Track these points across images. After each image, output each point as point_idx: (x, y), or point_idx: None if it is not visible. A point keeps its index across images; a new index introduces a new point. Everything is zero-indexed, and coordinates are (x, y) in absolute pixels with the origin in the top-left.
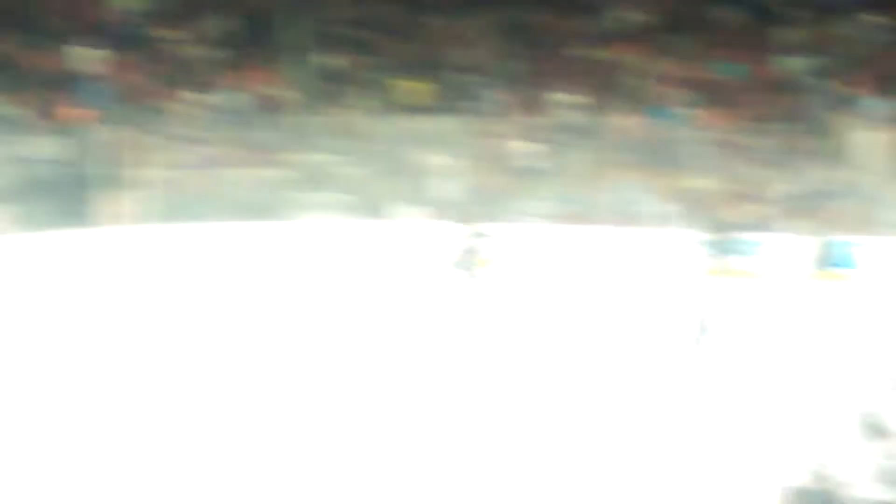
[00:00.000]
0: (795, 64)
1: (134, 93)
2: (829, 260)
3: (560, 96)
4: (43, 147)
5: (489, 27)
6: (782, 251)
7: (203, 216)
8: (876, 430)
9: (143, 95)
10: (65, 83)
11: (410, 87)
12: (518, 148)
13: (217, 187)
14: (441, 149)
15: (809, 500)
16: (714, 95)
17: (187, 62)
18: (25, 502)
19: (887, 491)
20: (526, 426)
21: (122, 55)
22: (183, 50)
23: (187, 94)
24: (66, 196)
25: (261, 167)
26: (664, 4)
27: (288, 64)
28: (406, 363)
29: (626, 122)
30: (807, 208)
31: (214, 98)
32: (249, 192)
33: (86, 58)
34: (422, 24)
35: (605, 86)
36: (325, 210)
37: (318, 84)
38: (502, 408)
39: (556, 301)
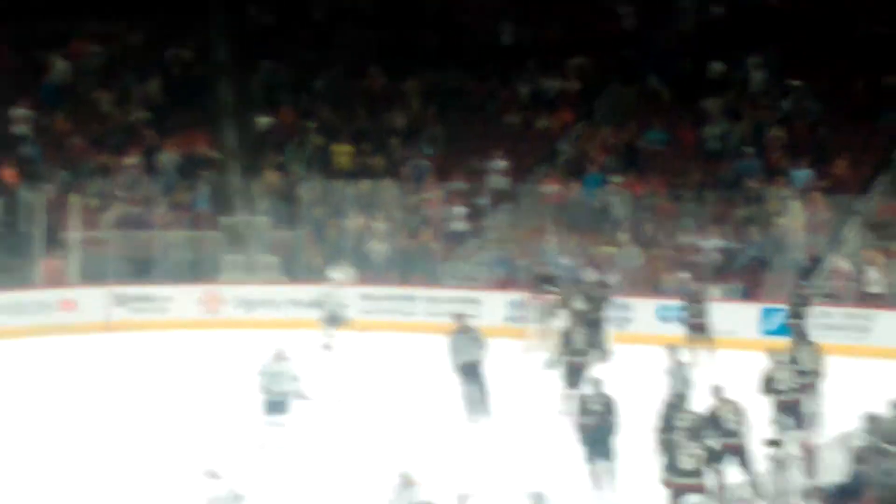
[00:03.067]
0: (722, 132)
1: (64, 154)
2: (766, 327)
3: (488, 161)
4: None
5: (420, 92)
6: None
7: (130, 276)
8: None
9: (74, 156)
10: None
11: (340, 151)
12: (447, 212)
13: (147, 247)
14: (369, 211)
15: None
16: (641, 162)
17: (119, 124)
18: None
19: None
20: None
21: (53, 116)
22: (115, 112)
23: (118, 155)
24: None
25: (190, 228)
26: (591, 74)
27: (218, 126)
28: None
29: (553, 188)
30: (739, 275)
31: (145, 159)
32: (179, 251)
33: (16, 118)
34: (353, 88)
35: (533, 151)
36: (252, 271)
37: (248, 146)
38: None
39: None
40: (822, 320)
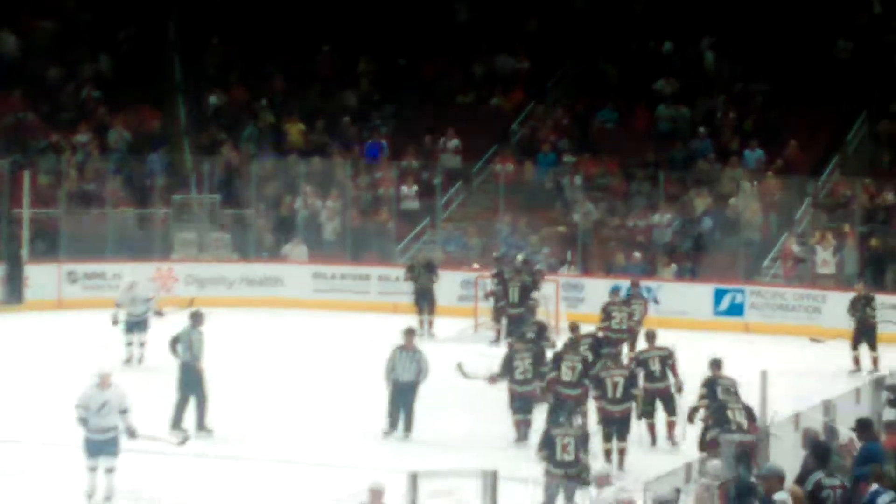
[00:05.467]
0: (674, 113)
1: (15, 131)
2: (717, 308)
3: (441, 141)
4: None
5: (373, 71)
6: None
7: (82, 253)
8: None
9: (25, 133)
10: None
11: (292, 129)
12: (400, 191)
13: (98, 225)
14: (322, 189)
15: None
16: (594, 142)
17: (70, 101)
18: None
19: None
20: None
21: (5, 93)
22: (66, 88)
23: (69, 133)
24: None
25: (142, 205)
26: (544, 54)
27: (170, 104)
28: None
29: (506, 167)
30: (690, 255)
31: (96, 136)
32: (130, 229)
33: None
34: (306, 66)
35: (486, 131)
36: (204, 248)
37: (200, 124)
38: None
39: None
40: (774, 301)
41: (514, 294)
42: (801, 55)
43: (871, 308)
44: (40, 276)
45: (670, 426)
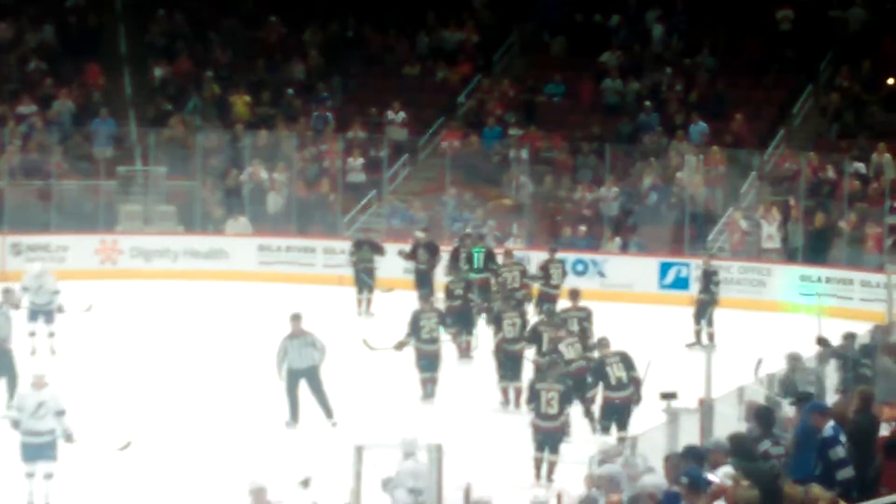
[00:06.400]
0: (620, 87)
1: None
2: (663, 281)
3: (388, 113)
4: None
5: (319, 43)
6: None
7: (26, 225)
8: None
9: None
10: None
11: (238, 101)
12: (346, 163)
13: (43, 196)
14: (267, 161)
15: None
16: (540, 115)
17: (14, 71)
18: None
19: None
20: None
21: None
22: (9, 59)
23: (14, 104)
24: None
25: (87, 177)
26: (490, 26)
27: (115, 74)
28: None
29: (452, 140)
30: (636, 229)
31: (41, 107)
32: (75, 201)
33: None
34: (252, 38)
35: (432, 104)
36: (149, 221)
37: (145, 95)
38: None
39: None
40: (720, 275)
41: (479, 260)
42: (745, 27)
43: (713, 283)
44: None
45: None
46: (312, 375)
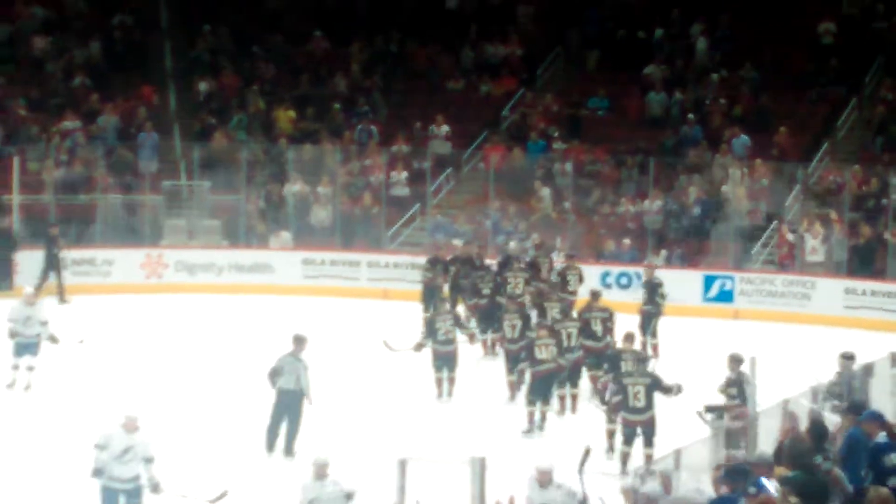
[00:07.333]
0: (664, 100)
1: (5, 117)
2: (707, 294)
3: (431, 127)
4: None
5: (363, 57)
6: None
7: (71, 240)
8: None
9: (15, 119)
10: None
11: (283, 115)
12: (389, 177)
13: (88, 211)
14: (312, 176)
15: None
16: (584, 129)
17: (61, 87)
18: None
19: None
20: None
21: None
22: (56, 75)
23: (59, 119)
24: None
25: (132, 192)
26: (535, 40)
27: (160, 90)
28: None
29: (496, 154)
30: (680, 242)
31: (86, 122)
32: (120, 215)
33: None
34: (296, 53)
35: (476, 117)
36: (194, 235)
37: (190, 110)
38: None
39: None
40: (763, 287)
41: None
42: (788, 40)
43: (660, 295)
44: (30, 262)
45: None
46: (294, 402)
